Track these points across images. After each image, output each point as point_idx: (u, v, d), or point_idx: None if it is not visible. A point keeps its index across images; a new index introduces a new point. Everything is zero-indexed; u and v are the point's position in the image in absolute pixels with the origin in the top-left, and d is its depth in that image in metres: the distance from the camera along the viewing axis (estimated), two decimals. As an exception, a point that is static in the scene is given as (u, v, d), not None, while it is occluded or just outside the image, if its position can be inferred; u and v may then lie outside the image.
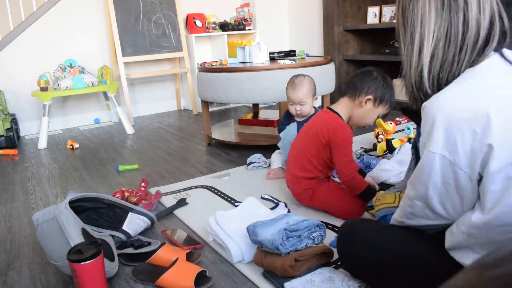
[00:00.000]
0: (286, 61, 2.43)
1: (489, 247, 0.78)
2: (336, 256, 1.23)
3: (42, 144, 3.03)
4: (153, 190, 1.94)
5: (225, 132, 2.80)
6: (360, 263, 1.02)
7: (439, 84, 0.80)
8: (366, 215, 1.51)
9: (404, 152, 1.87)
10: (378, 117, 1.53)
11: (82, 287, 1.06)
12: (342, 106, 1.53)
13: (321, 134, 1.50)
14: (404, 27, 0.84)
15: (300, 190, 1.58)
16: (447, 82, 0.80)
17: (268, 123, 2.67)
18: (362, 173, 1.64)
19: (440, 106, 0.74)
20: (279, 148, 2.06)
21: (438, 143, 0.75)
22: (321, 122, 1.53)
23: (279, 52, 2.75)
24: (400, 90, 3.44)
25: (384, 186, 1.71)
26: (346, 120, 1.53)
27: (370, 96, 1.46)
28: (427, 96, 0.80)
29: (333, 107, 1.55)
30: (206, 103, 2.65)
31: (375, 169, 1.80)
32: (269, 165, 2.13)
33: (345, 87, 1.53)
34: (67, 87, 3.11)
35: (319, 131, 1.51)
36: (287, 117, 2.07)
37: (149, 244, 1.34)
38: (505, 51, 0.79)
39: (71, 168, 2.48)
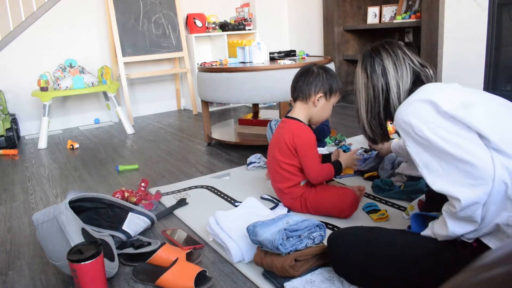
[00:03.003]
0: (286, 61, 2.43)
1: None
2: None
3: (42, 144, 3.03)
4: (153, 190, 1.94)
5: (225, 132, 2.80)
6: (348, 264, 1.05)
7: (375, 128, 1.16)
8: (367, 219, 1.51)
9: None
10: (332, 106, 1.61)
11: (82, 287, 1.06)
12: (299, 111, 1.57)
13: (288, 142, 1.53)
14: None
15: (290, 200, 1.60)
16: (381, 125, 1.15)
17: (268, 123, 2.67)
18: (328, 157, 1.73)
19: (400, 112, 1.00)
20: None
21: (420, 123, 0.94)
22: (284, 131, 1.56)
23: (279, 52, 2.75)
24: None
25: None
26: (307, 122, 1.58)
27: (320, 94, 1.53)
28: (371, 138, 1.19)
29: (290, 114, 1.59)
30: (206, 103, 2.65)
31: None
32: (269, 165, 2.13)
33: (294, 93, 1.59)
34: (67, 87, 3.11)
35: (284, 140, 1.54)
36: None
37: (149, 244, 1.34)
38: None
39: (71, 168, 2.48)
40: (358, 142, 2.47)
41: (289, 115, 1.60)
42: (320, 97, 1.53)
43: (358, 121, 1.20)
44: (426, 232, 1.01)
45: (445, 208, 0.93)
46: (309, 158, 1.51)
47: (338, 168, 1.57)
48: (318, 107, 1.55)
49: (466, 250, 0.92)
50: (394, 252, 0.99)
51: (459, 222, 0.90)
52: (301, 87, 1.54)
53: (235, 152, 2.51)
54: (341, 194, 1.50)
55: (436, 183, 0.91)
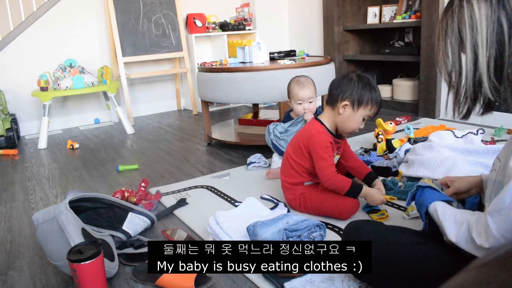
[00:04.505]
0: (286, 61, 2.43)
1: None
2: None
3: (42, 144, 3.03)
4: (153, 190, 1.94)
5: (225, 132, 2.80)
6: None
7: (499, 87, 0.80)
8: (368, 219, 1.51)
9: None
10: (364, 120, 1.47)
11: (82, 287, 1.06)
12: (326, 116, 1.53)
13: (301, 142, 1.53)
14: (448, 42, 0.81)
15: (291, 196, 1.60)
16: (510, 79, 0.78)
17: (268, 123, 2.67)
18: (374, 174, 1.63)
19: None
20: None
21: None
22: (304, 131, 1.57)
23: (279, 52, 2.75)
24: (401, 90, 3.45)
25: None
26: (332, 128, 1.53)
27: (346, 102, 1.43)
28: (485, 103, 0.81)
29: (319, 116, 1.56)
30: (206, 103, 2.65)
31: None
32: (269, 165, 2.13)
33: (327, 96, 1.53)
34: (67, 87, 3.11)
35: (300, 139, 1.54)
36: (288, 118, 2.08)
37: (149, 244, 1.34)
38: None
39: (71, 168, 2.48)
40: (357, 142, 2.46)
41: (318, 117, 1.56)
42: (346, 105, 1.43)
43: (459, 79, 0.82)
44: (433, 210, 0.92)
45: (477, 231, 0.79)
46: (320, 160, 1.47)
47: (354, 190, 1.46)
48: (343, 116, 1.45)
49: None
50: (411, 263, 0.94)
51: (480, 249, 0.79)
52: (331, 90, 1.48)
53: (235, 152, 2.51)
54: (340, 197, 1.48)
55: None
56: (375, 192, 1.47)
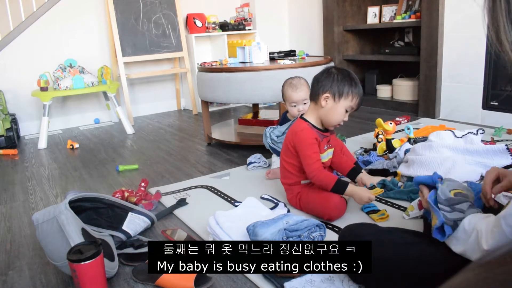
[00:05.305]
0: (286, 61, 2.43)
1: None
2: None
3: (42, 144, 3.03)
4: (153, 190, 1.94)
5: (225, 132, 2.80)
6: None
7: None
8: (368, 219, 1.51)
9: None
10: (347, 111, 1.49)
11: (82, 287, 1.06)
12: (310, 112, 1.55)
13: (288, 140, 1.56)
14: None
15: (290, 196, 1.64)
16: None
17: (268, 123, 2.67)
18: (358, 168, 1.67)
19: None
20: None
21: None
22: (289, 131, 1.59)
23: (279, 52, 2.75)
24: (401, 90, 3.45)
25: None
26: (318, 124, 1.54)
27: (327, 94, 1.47)
28: None
29: (304, 114, 1.58)
30: (206, 103, 2.65)
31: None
32: (269, 165, 2.13)
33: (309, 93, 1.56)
34: (67, 87, 3.11)
35: (287, 139, 1.57)
36: (285, 119, 2.08)
37: (149, 244, 1.34)
38: None
39: (71, 168, 2.48)
40: (357, 142, 2.46)
41: (302, 115, 1.58)
42: (327, 97, 1.47)
43: None
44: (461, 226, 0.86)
45: (486, 238, 0.77)
46: (305, 156, 1.50)
47: (339, 187, 1.45)
48: (326, 109, 1.49)
49: None
50: (408, 263, 0.94)
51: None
52: (313, 86, 1.52)
53: (235, 152, 2.51)
54: (325, 198, 1.47)
55: None
56: (361, 190, 1.45)
